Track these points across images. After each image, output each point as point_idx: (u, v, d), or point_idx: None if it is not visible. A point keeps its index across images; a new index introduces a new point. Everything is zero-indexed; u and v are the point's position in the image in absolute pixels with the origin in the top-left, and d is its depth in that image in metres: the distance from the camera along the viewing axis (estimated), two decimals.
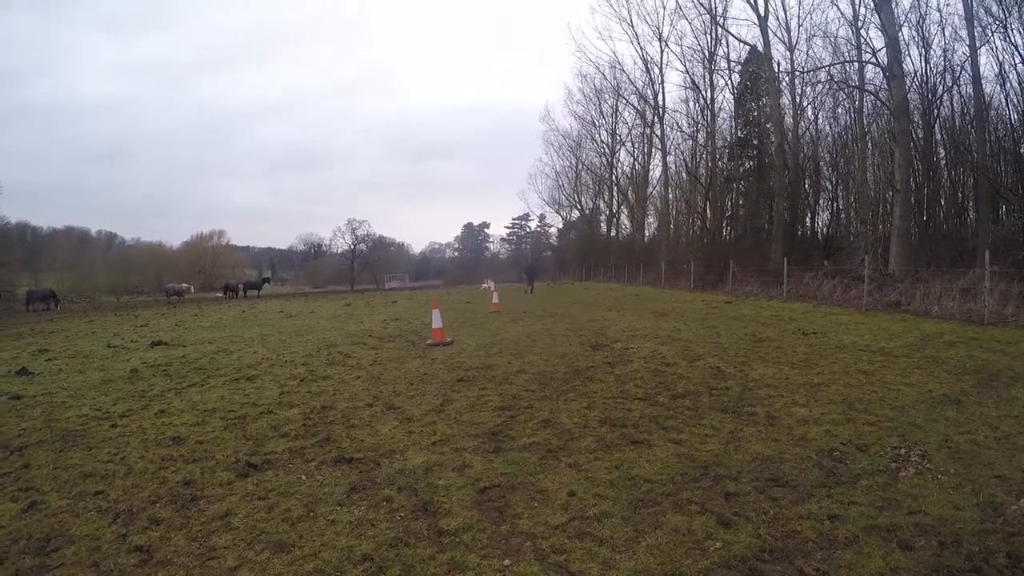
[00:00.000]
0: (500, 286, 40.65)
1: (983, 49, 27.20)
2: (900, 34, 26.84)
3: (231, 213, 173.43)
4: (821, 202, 40.90)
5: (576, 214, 78.30)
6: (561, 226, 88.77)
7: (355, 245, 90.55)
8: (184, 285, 53.54)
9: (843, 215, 38.04)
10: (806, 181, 39.79)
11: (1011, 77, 27.07)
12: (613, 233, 67.88)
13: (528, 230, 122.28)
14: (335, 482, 4.95)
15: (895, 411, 6.47)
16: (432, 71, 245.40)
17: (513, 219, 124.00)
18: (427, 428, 6.42)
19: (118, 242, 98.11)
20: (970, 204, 29.83)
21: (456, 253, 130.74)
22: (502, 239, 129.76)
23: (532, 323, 16.41)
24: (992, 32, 26.78)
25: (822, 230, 39.97)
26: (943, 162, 30.96)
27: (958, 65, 28.59)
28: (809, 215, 41.12)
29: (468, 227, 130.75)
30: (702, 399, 7.27)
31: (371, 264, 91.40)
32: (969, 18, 26.33)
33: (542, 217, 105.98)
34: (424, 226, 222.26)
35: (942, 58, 29.62)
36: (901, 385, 7.64)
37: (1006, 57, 27.17)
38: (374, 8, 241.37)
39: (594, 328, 14.48)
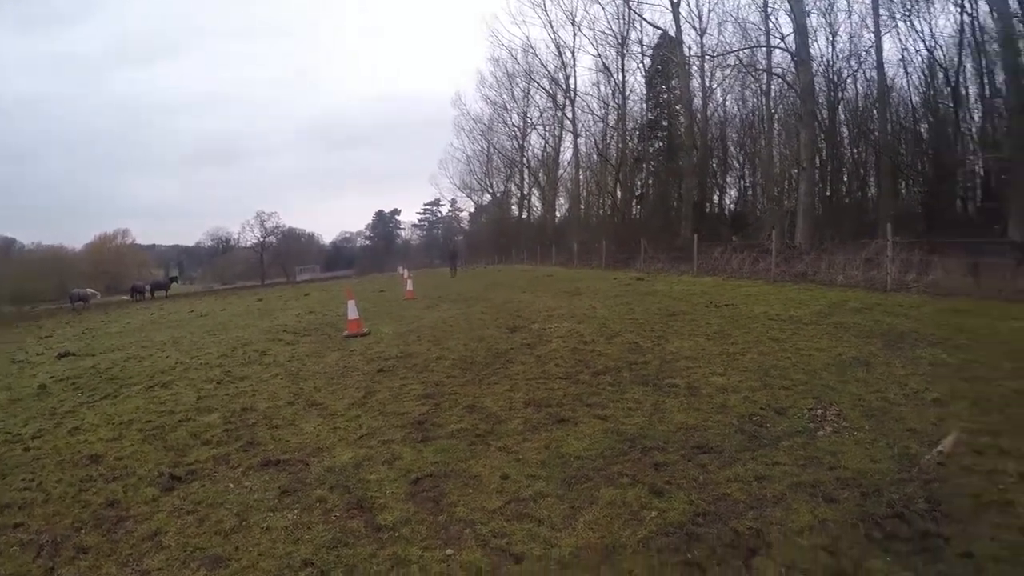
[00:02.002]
0: (415, 272, 40.30)
1: (888, 35, 28.27)
2: (808, 20, 27.65)
3: (137, 212, 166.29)
4: (729, 180, 41.99)
5: (488, 198, 78.48)
6: (473, 210, 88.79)
7: (264, 238, 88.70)
8: (89, 290, 50.97)
9: (750, 192, 39.12)
10: (714, 161, 40.65)
11: (914, 62, 28.24)
12: (525, 215, 68.41)
13: (439, 215, 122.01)
14: (264, 487, 4.77)
15: (808, 375, 6.64)
16: (343, 60, 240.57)
17: (424, 205, 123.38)
18: (352, 422, 6.27)
19: (17, 247, 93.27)
20: (872, 180, 31.04)
21: (367, 241, 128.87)
22: (413, 225, 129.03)
23: (448, 308, 16.26)
24: (898, 19, 27.95)
25: (730, 207, 41.05)
26: (846, 141, 32.01)
27: (863, 50, 29.76)
28: (718, 193, 42.14)
29: (379, 215, 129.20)
30: (623, 374, 7.30)
31: (281, 256, 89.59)
32: (875, 6, 27.33)
33: (453, 202, 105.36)
34: (335, 216, 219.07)
35: (848, 43, 30.70)
36: (812, 350, 7.83)
37: (910, 43, 28.34)
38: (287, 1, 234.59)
39: (510, 310, 14.42)
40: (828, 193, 31.40)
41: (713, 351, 8.22)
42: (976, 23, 26.09)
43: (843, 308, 11.35)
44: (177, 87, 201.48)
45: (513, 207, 71.36)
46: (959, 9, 26.38)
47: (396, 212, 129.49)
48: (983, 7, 24.80)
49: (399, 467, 4.91)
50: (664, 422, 5.45)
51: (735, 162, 40.94)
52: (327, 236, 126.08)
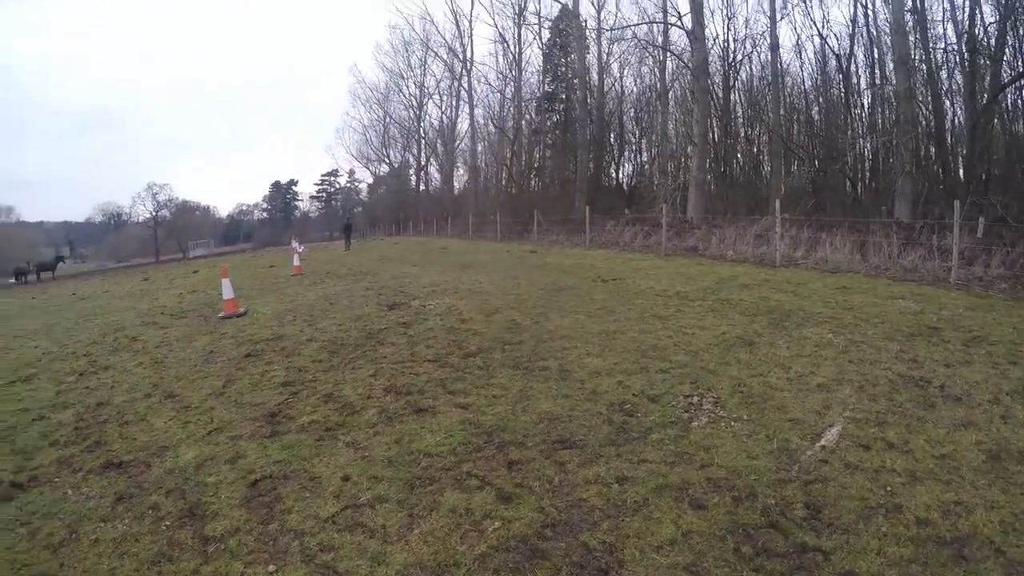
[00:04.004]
0: (311, 245, 39.27)
1: (783, 21, 28.78)
2: (707, 1, 27.89)
3: (20, 186, 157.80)
4: (626, 154, 42.20)
5: (385, 168, 77.21)
6: (371, 181, 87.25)
7: (157, 212, 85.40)
8: None
9: (646, 167, 39.37)
10: (611, 134, 40.78)
11: (807, 48, 28.88)
12: (422, 187, 67.56)
13: (338, 187, 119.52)
14: (101, 493, 4.36)
15: (689, 356, 6.35)
16: (236, 21, 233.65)
17: (322, 176, 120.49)
18: (204, 416, 5.81)
19: None
20: (764, 159, 31.65)
21: (265, 214, 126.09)
22: (312, 197, 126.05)
23: (333, 284, 15.54)
24: (793, 7, 28.59)
25: (627, 181, 41.25)
26: (741, 120, 32.50)
27: (759, 34, 30.31)
28: (614, 167, 42.33)
29: (276, 186, 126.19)
30: (494, 356, 6.91)
31: (176, 231, 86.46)
32: None
33: (351, 172, 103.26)
34: (231, 188, 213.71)
35: (744, 26, 31.24)
36: (696, 328, 7.58)
37: (804, 30, 29.02)
38: None
39: (395, 286, 13.83)
40: (723, 170, 31.81)
41: (593, 329, 7.88)
42: (870, 12, 27.10)
43: (731, 284, 11.22)
44: (56, 50, 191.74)
45: (412, 178, 70.50)
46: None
47: (293, 183, 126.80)
48: None
49: (241, 467, 4.56)
50: (528, 411, 5.07)
51: (631, 136, 41.29)
52: (224, 209, 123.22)
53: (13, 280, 49.34)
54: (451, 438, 4.66)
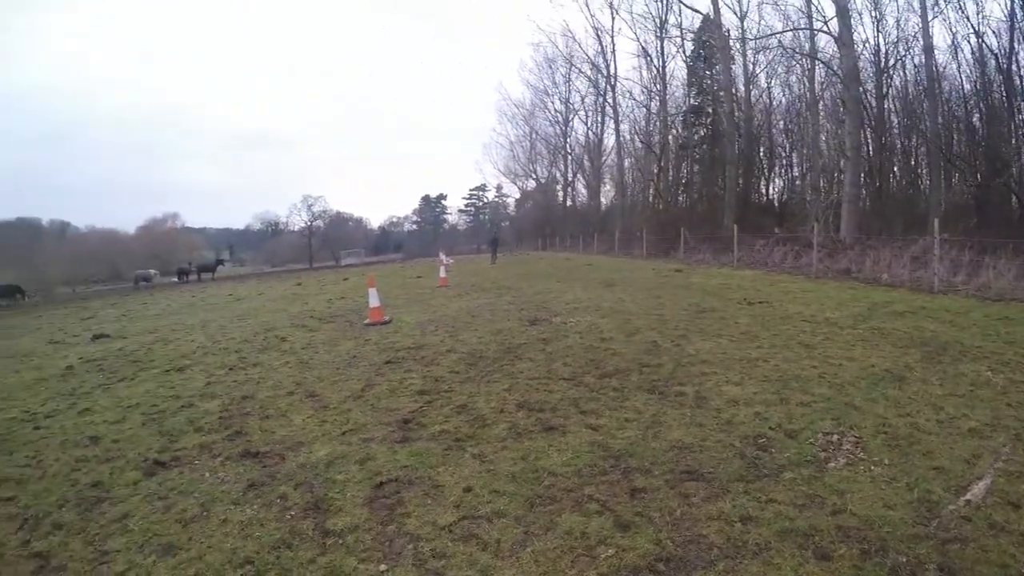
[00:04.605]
0: (458, 258, 40.06)
1: (936, 20, 27.20)
2: (853, 3, 26.96)
3: (186, 194, 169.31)
4: (776, 169, 40.98)
5: (532, 183, 77.95)
6: (518, 196, 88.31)
7: (312, 222, 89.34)
8: (152, 271, 53.47)
9: (797, 182, 38.07)
10: (760, 148, 39.68)
11: (964, 48, 27.08)
12: (569, 203, 67.72)
13: (485, 201, 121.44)
14: (235, 479, 4.72)
15: (833, 389, 6.05)
16: (391, 45, 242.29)
17: (470, 190, 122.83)
18: (341, 416, 6.10)
19: (71, 231, 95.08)
20: (923, 172, 29.96)
21: (414, 226, 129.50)
22: (460, 211, 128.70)
23: (476, 297, 15.89)
24: (946, 3, 26.77)
25: (777, 197, 40.03)
26: (896, 131, 30.95)
27: (911, 35, 28.64)
28: (764, 182, 41.15)
29: (426, 199, 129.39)
30: (631, 378, 6.82)
31: (329, 241, 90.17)
32: None
33: (499, 187, 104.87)
34: (383, 200, 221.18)
35: (895, 28, 29.63)
36: (843, 359, 7.24)
37: (959, 28, 27.21)
38: None
39: (538, 301, 13.98)
40: (877, 184, 30.27)
41: (734, 355, 7.67)
42: None
43: (884, 311, 10.68)
44: (224, 75, 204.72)
45: (558, 193, 70.85)
46: None
47: (442, 197, 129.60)
48: None
49: (369, 468, 4.73)
50: (659, 438, 4.97)
51: (781, 150, 40.00)
52: (375, 220, 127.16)
53: (176, 279, 53.20)
54: (577, 459, 4.62)
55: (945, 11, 27.11)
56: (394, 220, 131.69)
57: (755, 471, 4.23)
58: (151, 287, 46.33)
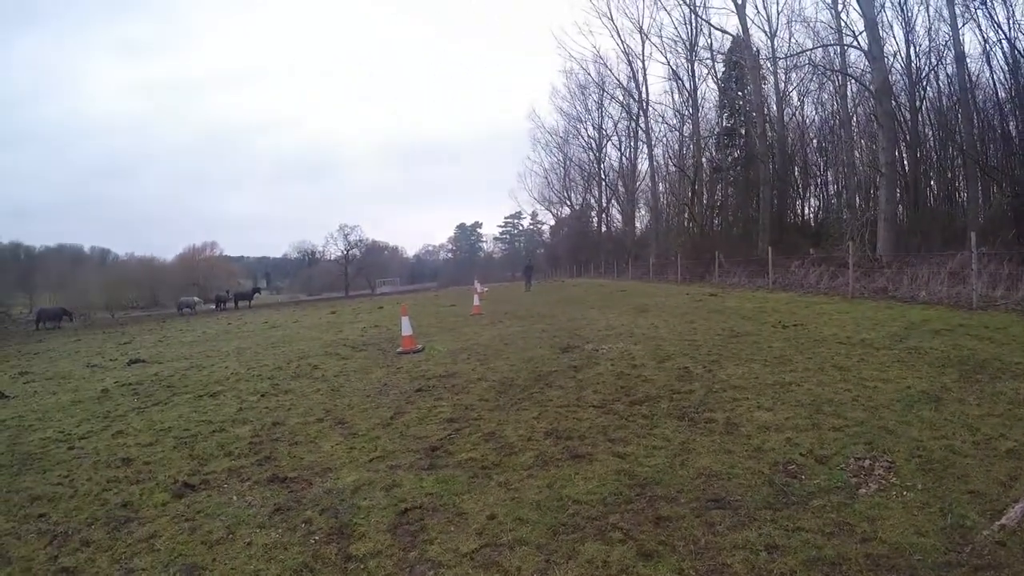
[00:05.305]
0: (493, 286, 40.09)
1: (966, 27, 26.89)
2: (883, 15, 26.84)
3: (225, 224, 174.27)
4: (812, 188, 40.69)
5: (567, 210, 78.21)
6: (553, 223, 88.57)
7: (348, 251, 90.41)
8: (195, 299, 55.28)
9: (833, 201, 37.73)
10: (795, 168, 39.43)
11: (996, 55, 26.70)
12: (604, 228, 67.87)
13: (521, 228, 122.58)
14: (262, 503, 4.81)
15: (867, 412, 5.94)
16: (424, 77, 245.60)
17: (505, 218, 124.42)
18: (369, 444, 6.14)
19: (111, 258, 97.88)
20: (960, 185, 29.50)
21: (450, 254, 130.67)
22: (495, 238, 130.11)
23: (509, 325, 15.92)
24: (975, 9, 26.44)
25: (813, 217, 39.70)
26: (931, 143, 30.59)
27: (942, 44, 28.34)
28: (799, 202, 40.86)
29: (461, 227, 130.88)
30: (661, 405, 6.75)
31: (365, 269, 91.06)
32: None
33: (534, 215, 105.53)
34: (418, 229, 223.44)
35: (926, 38, 29.34)
36: (878, 381, 7.11)
37: (990, 35, 26.83)
38: (369, 14, 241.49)
39: (571, 328, 13.97)
40: (914, 199, 29.88)
41: (767, 380, 7.56)
42: None
43: (921, 329, 10.51)
44: (265, 108, 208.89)
45: (593, 219, 71.03)
46: None
47: (478, 225, 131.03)
48: None
49: (395, 495, 4.77)
50: (686, 466, 4.91)
51: (816, 169, 39.68)
52: (411, 249, 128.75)
53: (214, 307, 54.41)
54: (603, 487, 4.58)
55: (976, 16, 26.81)
56: (430, 248, 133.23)
57: (783, 498, 4.15)
58: (194, 314, 47.44)
